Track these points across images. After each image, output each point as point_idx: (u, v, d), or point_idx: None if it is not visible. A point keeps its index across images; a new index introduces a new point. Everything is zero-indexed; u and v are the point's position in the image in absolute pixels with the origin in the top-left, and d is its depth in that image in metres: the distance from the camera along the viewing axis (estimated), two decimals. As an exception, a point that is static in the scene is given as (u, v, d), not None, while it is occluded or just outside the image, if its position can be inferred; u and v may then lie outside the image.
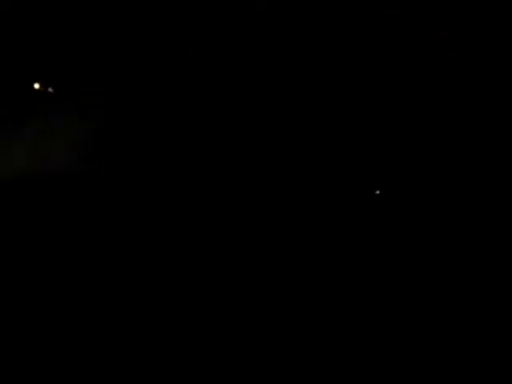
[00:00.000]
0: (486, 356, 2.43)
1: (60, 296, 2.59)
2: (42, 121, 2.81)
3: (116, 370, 2.47)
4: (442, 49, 2.77)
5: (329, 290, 2.61)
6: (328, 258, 2.65)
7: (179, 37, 2.90)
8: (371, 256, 2.64)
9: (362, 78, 2.82)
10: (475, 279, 2.55)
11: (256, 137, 2.84)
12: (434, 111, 2.76)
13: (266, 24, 2.87)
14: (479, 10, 2.74)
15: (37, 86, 2.72)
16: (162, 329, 2.55)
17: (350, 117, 2.81)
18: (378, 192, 2.51)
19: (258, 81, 2.88)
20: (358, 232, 2.68)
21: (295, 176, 2.78)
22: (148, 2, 2.89)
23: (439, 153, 2.72)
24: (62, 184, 2.74)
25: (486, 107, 2.72)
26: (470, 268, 2.57)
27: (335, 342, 2.52)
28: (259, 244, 2.69)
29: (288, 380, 2.47)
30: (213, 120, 2.87)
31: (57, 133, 2.80)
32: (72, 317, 2.56)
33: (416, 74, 2.79)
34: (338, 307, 2.58)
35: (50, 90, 2.75)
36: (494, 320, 2.48)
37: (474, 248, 2.59)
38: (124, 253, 2.68)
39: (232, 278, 2.64)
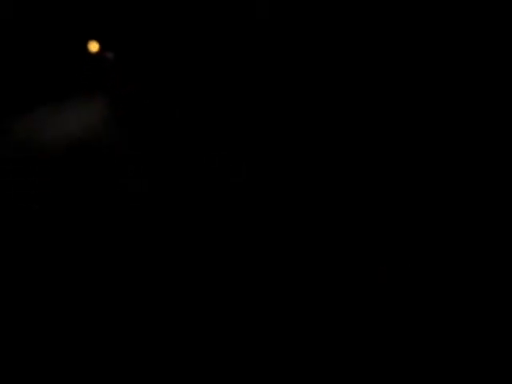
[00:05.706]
0: (486, 356, 2.42)
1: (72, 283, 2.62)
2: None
3: (116, 369, 2.48)
4: (442, 48, 2.77)
5: (329, 290, 2.61)
6: (328, 258, 2.65)
7: (179, 42, 2.93)
8: (371, 256, 2.64)
9: (363, 79, 2.82)
10: (475, 279, 2.54)
11: (256, 139, 2.85)
12: (433, 111, 2.75)
13: (266, 30, 2.89)
14: (479, 10, 2.73)
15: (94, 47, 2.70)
16: (162, 329, 2.56)
17: (350, 118, 2.81)
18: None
19: (258, 86, 2.89)
20: (358, 232, 2.68)
21: (295, 176, 2.78)
22: (149, 5, 2.91)
23: (439, 152, 2.72)
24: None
25: (486, 107, 2.71)
26: (470, 268, 2.56)
27: (334, 342, 2.51)
28: (259, 244, 2.70)
29: (288, 380, 2.47)
30: (213, 122, 2.88)
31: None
32: (77, 315, 2.58)
33: (416, 73, 2.78)
34: (337, 307, 2.58)
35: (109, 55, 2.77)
36: (494, 320, 2.46)
37: (474, 248, 2.58)
38: (126, 252, 2.70)
39: (232, 278, 2.65)
